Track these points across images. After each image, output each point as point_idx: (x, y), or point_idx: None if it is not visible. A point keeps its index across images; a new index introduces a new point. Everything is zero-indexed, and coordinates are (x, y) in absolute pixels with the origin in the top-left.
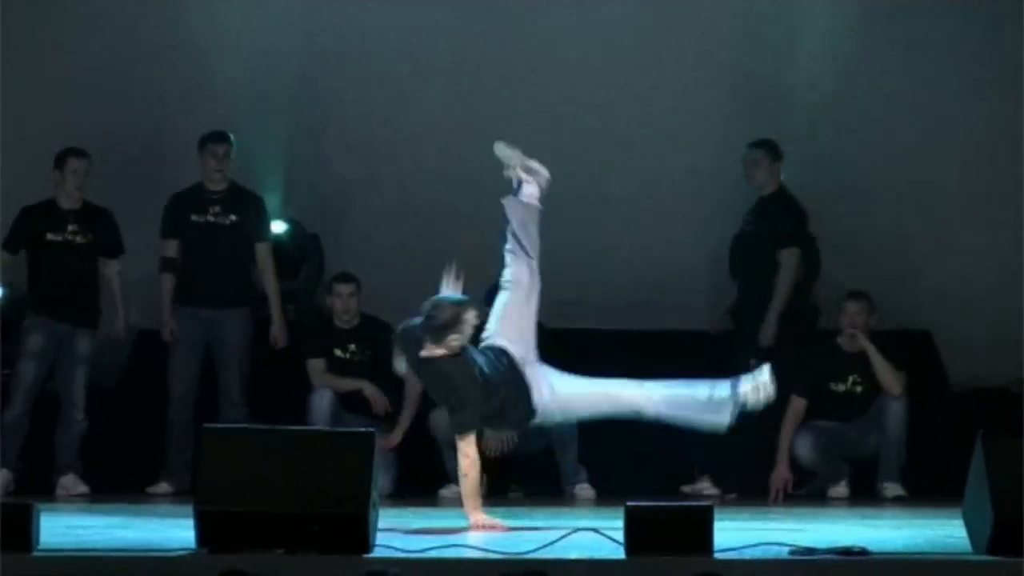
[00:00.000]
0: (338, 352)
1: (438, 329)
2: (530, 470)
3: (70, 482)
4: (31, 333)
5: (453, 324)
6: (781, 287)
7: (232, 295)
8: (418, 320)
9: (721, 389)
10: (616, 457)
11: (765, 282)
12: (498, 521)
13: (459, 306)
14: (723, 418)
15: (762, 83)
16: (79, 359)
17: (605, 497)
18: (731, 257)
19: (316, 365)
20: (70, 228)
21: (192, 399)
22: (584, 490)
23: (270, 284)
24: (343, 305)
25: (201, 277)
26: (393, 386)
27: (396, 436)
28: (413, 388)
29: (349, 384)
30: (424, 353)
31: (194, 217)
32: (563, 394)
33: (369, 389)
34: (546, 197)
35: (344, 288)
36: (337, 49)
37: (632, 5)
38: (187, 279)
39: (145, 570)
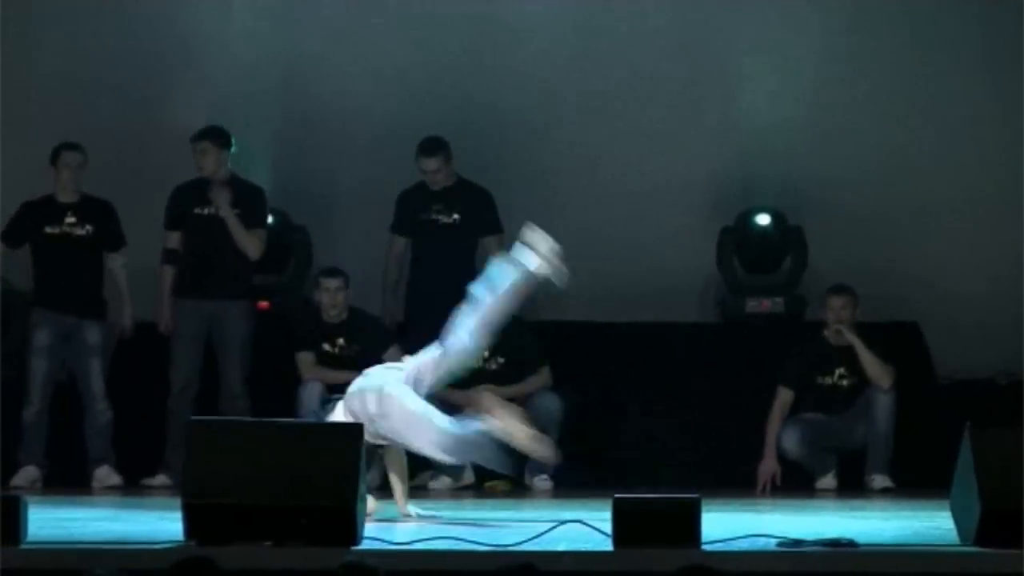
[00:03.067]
0: (326, 346)
1: None
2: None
3: (104, 473)
4: (38, 329)
5: None
6: None
7: (234, 288)
8: None
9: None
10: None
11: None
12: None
13: None
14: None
15: (755, 82)
16: (91, 350)
17: (561, 490)
18: None
19: (305, 358)
20: (68, 220)
21: (193, 392)
22: (543, 482)
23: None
24: (330, 300)
25: (203, 270)
26: None
27: None
28: None
29: (339, 376)
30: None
31: (196, 210)
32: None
33: None
34: (549, 193)
35: (331, 283)
36: (326, 43)
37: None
38: (189, 272)
39: (132, 562)
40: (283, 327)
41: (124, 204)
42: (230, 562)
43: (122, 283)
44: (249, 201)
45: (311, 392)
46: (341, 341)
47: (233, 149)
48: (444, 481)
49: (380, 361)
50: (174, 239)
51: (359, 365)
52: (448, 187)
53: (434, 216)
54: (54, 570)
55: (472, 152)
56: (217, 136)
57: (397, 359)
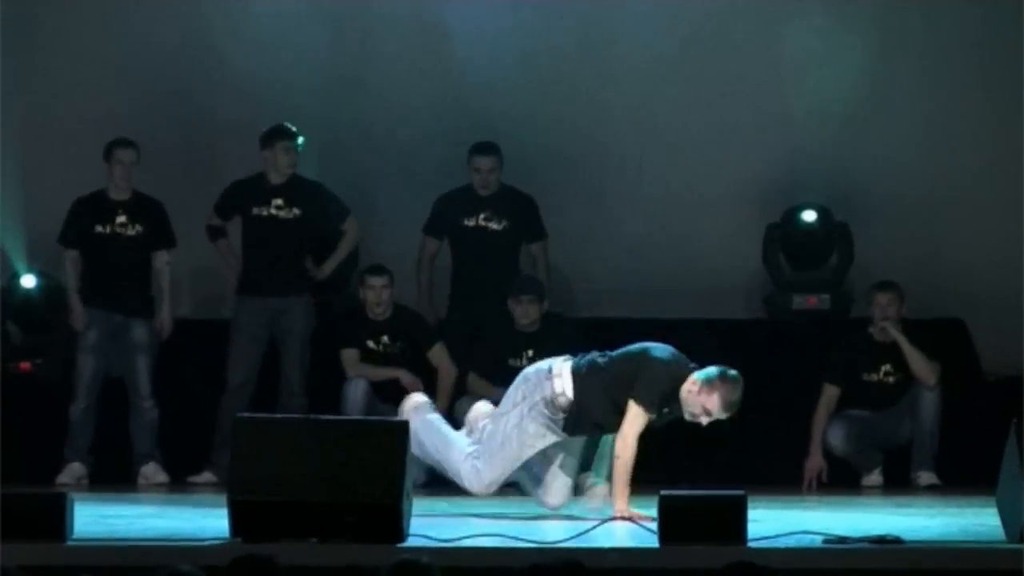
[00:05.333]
0: (371, 344)
1: None
2: None
3: (151, 471)
4: (86, 327)
5: None
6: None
7: (297, 284)
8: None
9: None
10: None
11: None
12: (643, 513)
13: None
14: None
15: (800, 79)
16: (138, 348)
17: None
18: None
19: (350, 355)
20: (119, 220)
21: (250, 390)
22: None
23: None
24: (375, 298)
25: (265, 267)
26: (425, 376)
27: None
28: (446, 376)
29: (385, 373)
30: None
31: (255, 210)
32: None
33: (406, 376)
34: (596, 193)
35: (376, 281)
36: (374, 42)
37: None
38: (251, 270)
39: (177, 559)
40: (329, 323)
41: (172, 201)
42: (279, 559)
43: (165, 281)
44: (322, 201)
45: (356, 390)
46: (385, 338)
47: (301, 147)
48: None
49: (424, 358)
50: (218, 219)
51: (403, 362)
52: (495, 193)
53: (482, 223)
54: (100, 566)
55: (517, 157)
56: (293, 135)
57: (442, 357)
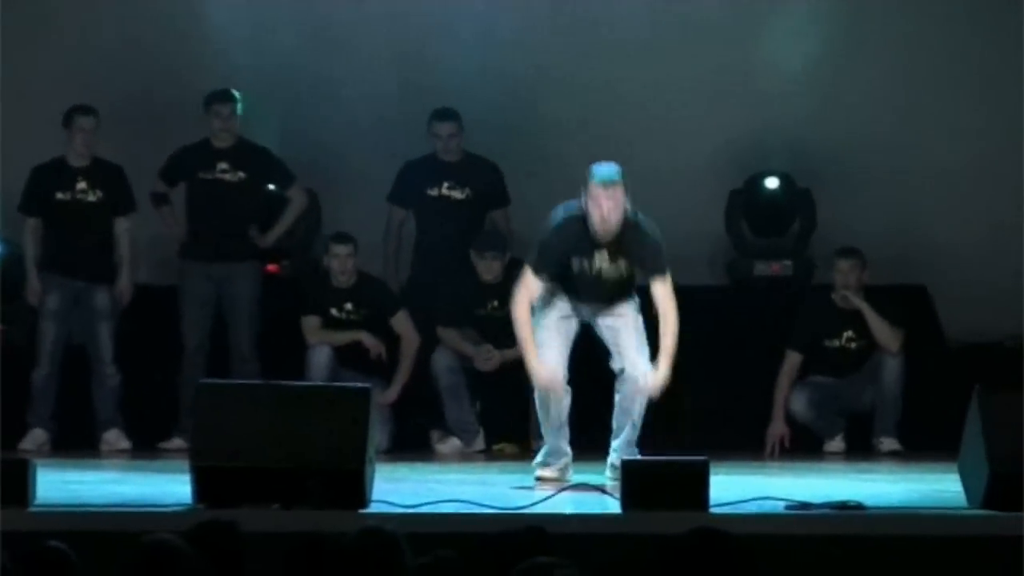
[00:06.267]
0: (334, 311)
1: None
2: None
3: (113, 437)
4: (47, 293)
5: None
6: None
7: (241, 250)
8: None
9: None
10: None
11: None
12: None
13: None
14: None
15: (763, 46)
16: (100, 315)
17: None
18: None
19: (311, 322)
20: (79, 187)
21: (204, 354)
22: None
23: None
24: (340, 266)
25: (209, 233)
26: (389, 343)
27: (393, 392)
28: (409, 344)
29: (346, 337)
30: None
31: (201, 174)
32: None
33: (368, 339)
34: (558, 159)
35: (341, 249)
36: (338, 11)
37: None
38: (195, 234)
39: (140, 524)
40: (293, 291)
41: (133, 169)
42: (242, 525)
43: (125, 248)
44: (267, 164)
45: (320, 357)
46: (349, 306)
47: (240, 111)
48: (454, 444)
49: (387, 326)
50: (162, 186)
51: (366, 329)
52: (458, 161)
53: (445, 192)
54: (62, 532)
55: (481, 125)
56: (233, 98)
57: (405, 324)
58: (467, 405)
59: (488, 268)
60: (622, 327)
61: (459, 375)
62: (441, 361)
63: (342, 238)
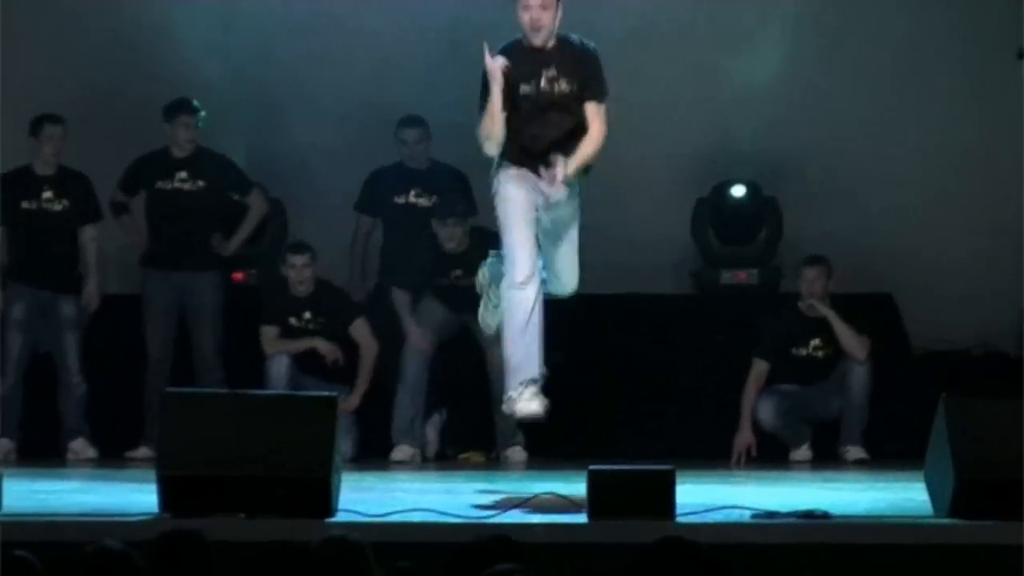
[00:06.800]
0: (292, 320)
1: None
2: (473, 432)
3: (79, 446)
4: (13, 303)
5: None
6: None
7: (203, 259)
8: None
9: None
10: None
11: None
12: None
13: None
14: None
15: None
16: (66, 325)
17: (535, 461)
18: None
19: (268, 332)
20: (45, 196)
21: (168, 363)
22: (516, 452)
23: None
24: (297, 276)
25: (170, 241)
26: (349, 351)
27: (355, 400)
28: (368, 351)
29: (300, 344)
30: None
31: (160, 183)
32: None
33: (322, 345)
34: None
35: (298, 259)
36: (301, 17)
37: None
38: (156, 244)
39: (106, 533)
40: (259, 299)
41: (95, 179)
42: (208, 534)
43: (92, 256)
44: (225, 173)
45: (278, 367)
46: (307, 315)
47: (201, 122)
48: (405, 451)
49: (346, 335)
50: (122, 195)
51: (325, 337)
52: (427, 169)
53: (412, 200)
54: (28, 542)
55: (448, 130)
56: (194, 109)
57: (363, 332)
58: (421, 410)
59: (451, 235)
60: (565, 245)
61: (424, 373)
62: (411, 357)
63: (298, 248)
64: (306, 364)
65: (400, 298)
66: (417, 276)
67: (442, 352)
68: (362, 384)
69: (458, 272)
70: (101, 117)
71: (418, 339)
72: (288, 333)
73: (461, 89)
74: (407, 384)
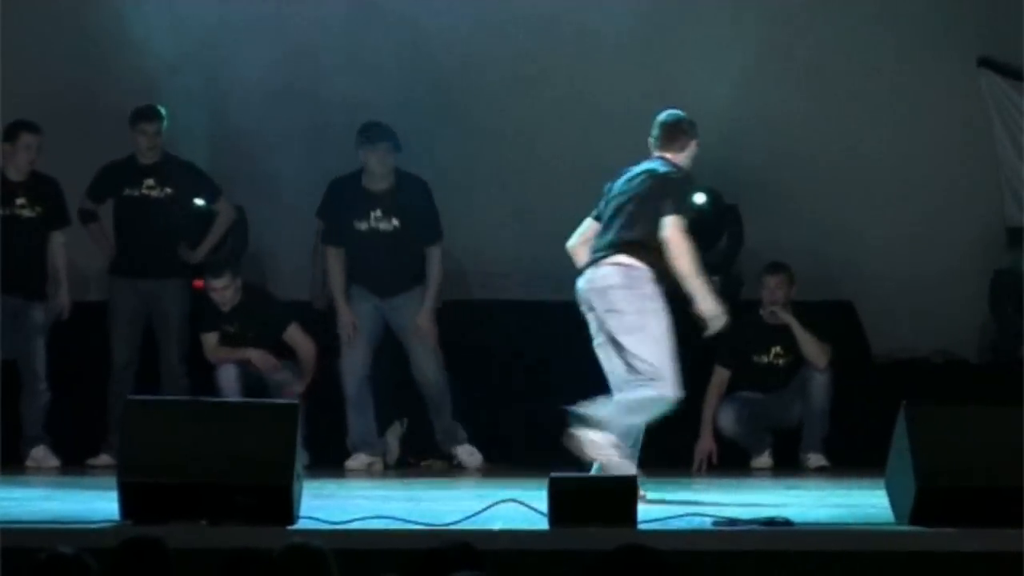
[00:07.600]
0: (227, 327)
1: None
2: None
3: (40, 454)
4: None
5: None
6: None
7: (169, 266)
8: None
9: None
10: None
11: None
12: None
13: None
14: None
15: (690, 61)
16: (35, 331)
17: (495, 468)
18: None
19: (209, 339)
20: (18, 202)
21: (134, 370)
22: (466, 451)
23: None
24: (219, 297)
25: (137, 249)
26: (284, 353)
27: (301, 385)
28: (307, 353)
29: (237, 355)
30: None
31: (128, 191)
32: None
33: (255, 355)
34: (486, 174)
35: (216, 283)
36: (264, 22)
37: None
38: (123, 251)
39: (66, 541)
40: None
41: (64, 186)
42: (168, 541)
43: (60, 262)
44: (193, 179)
45: (228, 375)
46: (238, 325)
47: (164, 127)
48: (361, 459)
49: (280, 341)
50: (90, 203)
51: (259, 346)
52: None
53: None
54: None
55: (414, 135)
56: (153, 116)
57: (297, 337)
58: (371, 418)
59: (381, 160)
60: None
61: (366, 386)
62: (347, 368)
63: (216, 272)
64: (253, 371)
65: (332, 255)
66: (337, 224)
67: (395, 364)
68: (306, 378)
69: (378, 212)
70: (70, 124)
71: (348, 321)
72: (226, 340)
73: (427, 88)
74: (352, 401)
